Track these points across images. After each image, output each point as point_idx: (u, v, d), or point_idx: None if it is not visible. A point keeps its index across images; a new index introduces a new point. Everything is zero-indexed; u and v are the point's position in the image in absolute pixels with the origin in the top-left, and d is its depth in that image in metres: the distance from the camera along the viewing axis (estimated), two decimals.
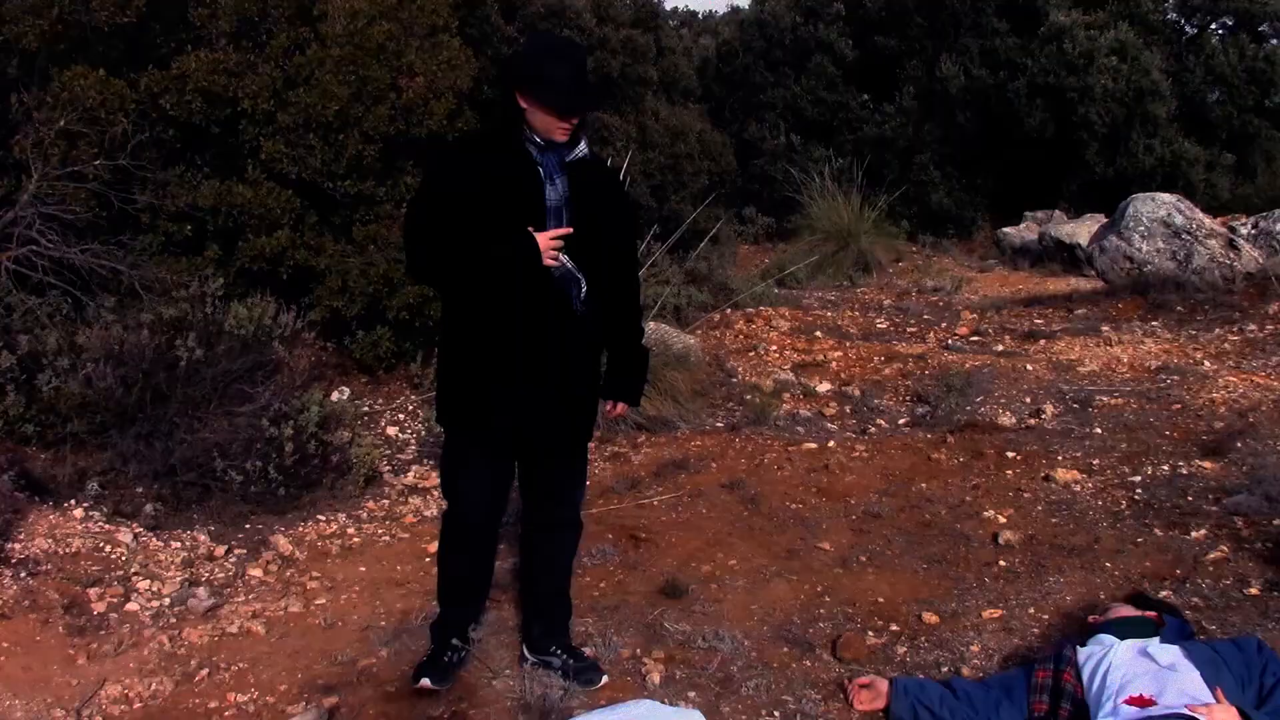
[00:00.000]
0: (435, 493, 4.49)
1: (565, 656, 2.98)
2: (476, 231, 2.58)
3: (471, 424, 2.76)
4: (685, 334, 6.30)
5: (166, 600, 3.48)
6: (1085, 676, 2.64)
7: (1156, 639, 2.71)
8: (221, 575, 3.70)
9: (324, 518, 4.19)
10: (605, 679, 2.96)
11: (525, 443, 2.79)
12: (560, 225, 2.64)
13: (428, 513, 4.30)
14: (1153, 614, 2.88)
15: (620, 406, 2.94)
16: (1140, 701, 2.45)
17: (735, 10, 15.55)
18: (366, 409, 5.38)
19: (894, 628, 3.26)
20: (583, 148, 2.68)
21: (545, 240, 2.59)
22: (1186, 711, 2.34)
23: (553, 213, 2.63)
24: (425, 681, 2.87)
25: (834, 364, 6.15)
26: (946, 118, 11.35)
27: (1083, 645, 2.78)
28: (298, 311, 5.28)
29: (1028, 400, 5.33)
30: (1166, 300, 7.01)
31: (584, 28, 8.97)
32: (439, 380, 2.85)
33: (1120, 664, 2.60)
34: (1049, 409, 5.11)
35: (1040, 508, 4.02)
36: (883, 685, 2.83)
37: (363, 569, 3.79)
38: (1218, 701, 2.36)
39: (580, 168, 2.68)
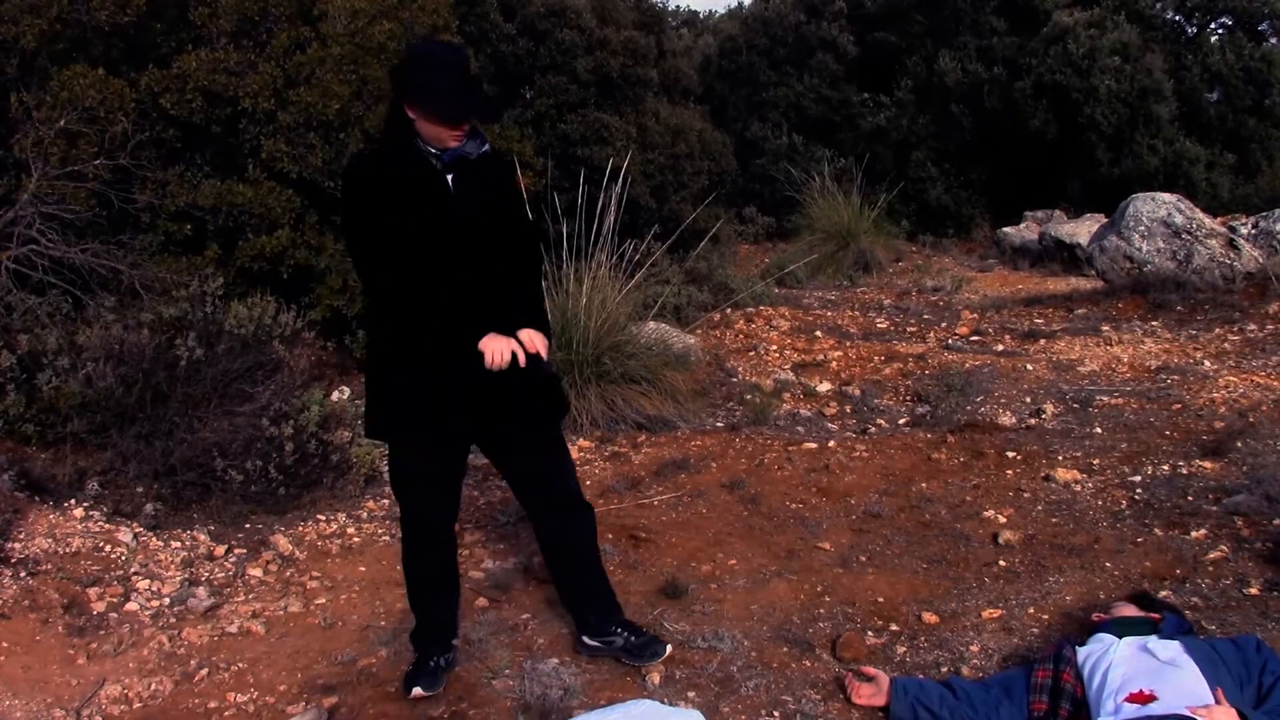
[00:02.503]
0: None
1: (626, 634, 3.02)
2: (401, 243, 2.62)
3: (416, 427, 2.74)
4: (685, 334, 6.30)
5: (166, 600, 3.48)
6: (1085, 675, 2.64)
7: (1155, 635, 2.71)
8: (221, 575, 3.70)
9: (324, 517, 4.19)
10: (669, 649, 3.02)
11: (484, 433, 2.81)
12: (465, 225, 2.67)
13: None
14: (1155, 615, 2.88)
15: (537, 338, 2.76)
16: (1140, 698, 2.45)
17: (739, 8, 15.55)
18: None
19: (894, 628, 3.26)
20: (479, 146, 2.71)
21: (502, 354, 2.63)
22: (1186, 712, 2.33)
23: (457, 213, 2.66)
24: (417, 690, 2.87)
25: (834, 364, 6.15)
26: (943, 112, 11.38)
27: (1082, 644, 2.78)
28: (298, 311, 5.28)
29: (1028, 400, 5.33)
30: (1166, 300, 7.01)
31: (585, 28, 8.98)
32: (373, 392, 2.80)
33: (1120, 661, 2.60)
34: (1049, 409, 5.11)
35: (1040, 508, 4.02)
36: (884, 681, 2.82)
37: (363, 569, 3.79)
38: (1218, 702, 2.36)
39: (477, 164, 2.71)
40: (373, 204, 2.62)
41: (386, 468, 4.69)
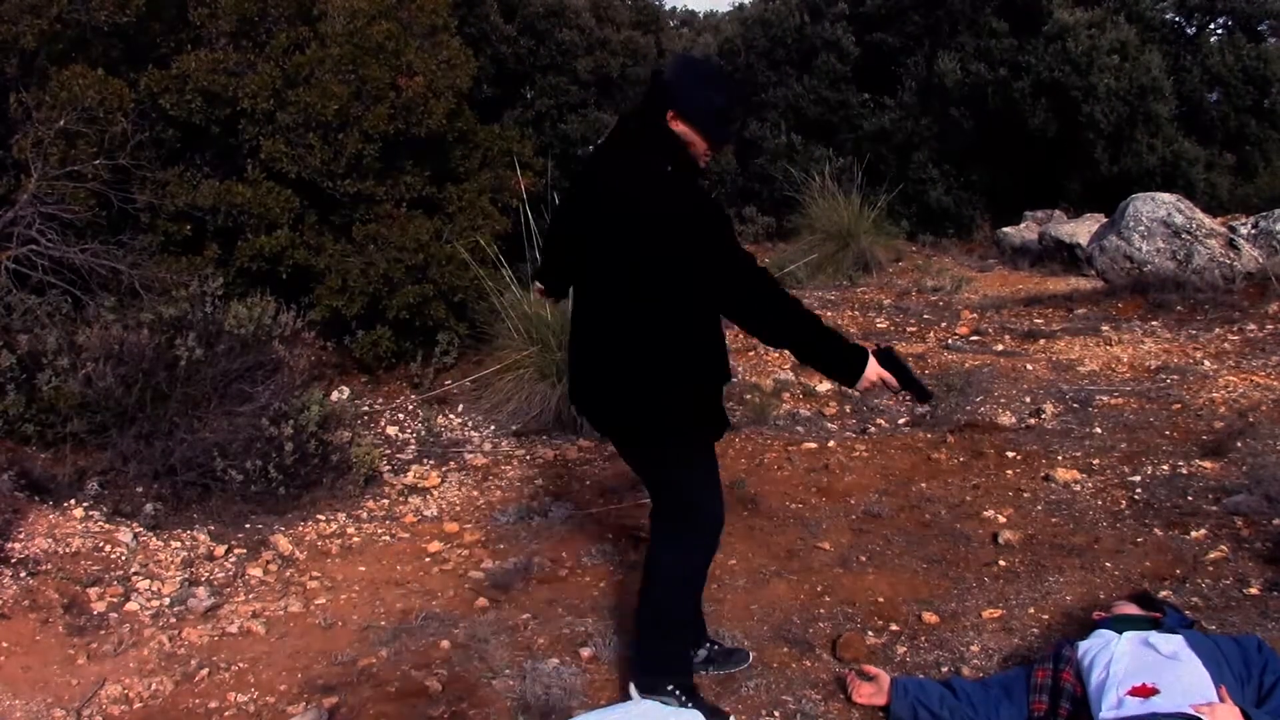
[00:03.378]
0: (435, 492, 4.50)
1: (712, 645, 3.03)
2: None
3: (722, 423, 2.77)
4: None
5: (166, 600, 3.48)
6: (1085, 669, 2.64)
7: (1157, 630, 2.71)
8: (221, 575, 3.70)
9: (324, 517, 4.20)
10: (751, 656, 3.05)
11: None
12: None
13: (428, 512, 4.30)
14: (1157, 614, 2.88)
15: None
16: (1143, 691, 2.45)
17: (739, 9, 15.54)
18: (366, 409, 5.39)
19: (894, 628, 3.26)
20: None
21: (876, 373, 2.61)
22: (1190, 711, 2.33)
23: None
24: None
25: None
26: (944, 114, 11.36)
27: (1083, 639, 2.78)
28: (298, 311, 5.28)
29: (1028, 400, 5.33)
30: (1166, 300, 7.01)
31: (584, 28, 8.99)
32: (687, 390, 2.68)
33: (1122, 655, 2.60)
34: (1049, 409, 5.11)
35: (1040, 508, 4.02)
36: (885, 681, 2.82)
37: (363, 569, 3.79)
38: (1221, 700, 2.36)
39: None
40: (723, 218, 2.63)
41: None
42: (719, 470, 2.78)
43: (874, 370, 2.56)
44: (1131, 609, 2.94)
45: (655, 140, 2.57)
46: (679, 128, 2.55)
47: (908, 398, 2.65)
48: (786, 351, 2.71)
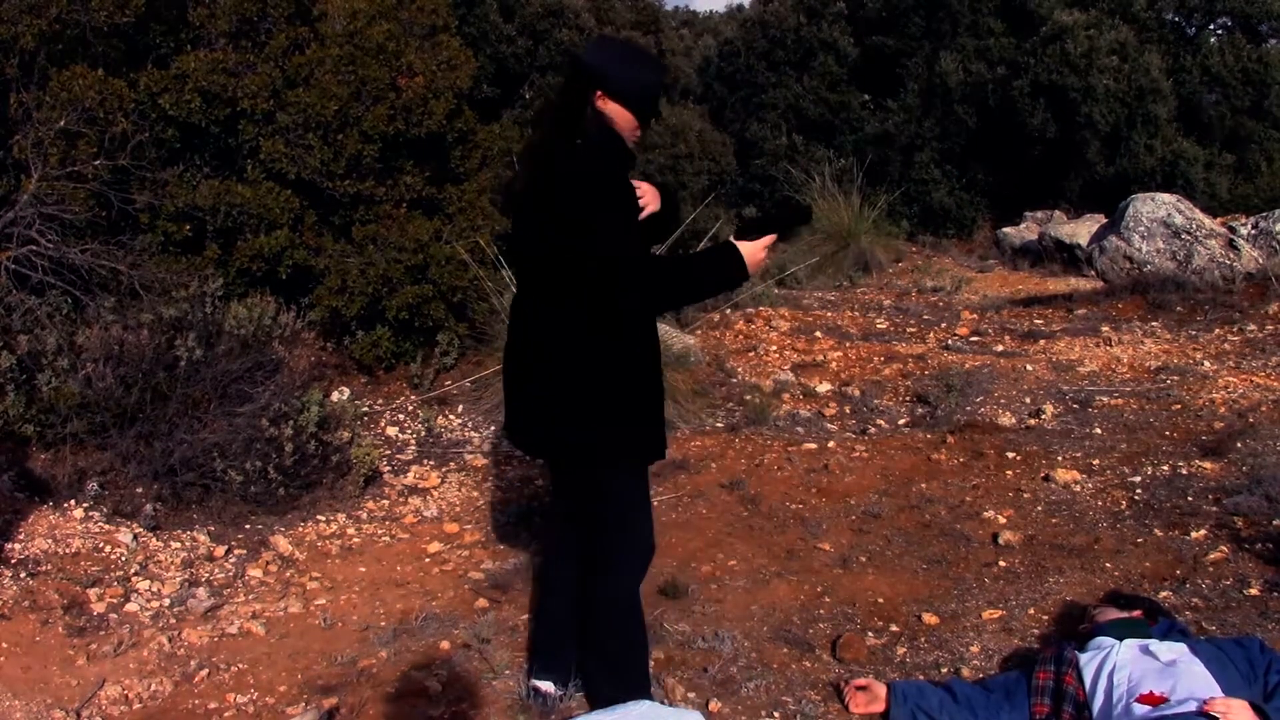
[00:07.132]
0: (435, 493, 4.50)
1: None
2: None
3: (660, 451, 2.65)
4: (685, 334, 6.30)
5: (166, 600, 3.47)
6: (1089, 679, 2.64)
7: (1155, 638, 2.71)
8: (221, 575, 3.70)
9: (324, 518, 4.19)
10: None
11: None
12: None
13: (427, 513, 4.30)
14: (1137, 612, 2.88)
15: None
16: (1152, 699, 2.45)
17: (738, 9, 15.56)
18: (366, 409, 5.38)
19: (894, 628, 3.26)
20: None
21: (759, 251, 2.54)
22: (1204, 710, 2.33)
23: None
24: None
25: (834, 364, 6.15)
26: (946, 115, 11.38)
27: (1083, 650, 2.77)
28: (297, 311, 5.27)
29: (1028, 400, 5.33)
30: (1166, 300, 7.01)
31: (584, 28, 8.99)
32: (633, 416, 2.55)
33: (1125, 663, 2.60)
34: (1049, 409, 5.11)
35: (1040, 508, 4.02)
36: (880, 690, 2.82)
37: (362, 569, 3.79)
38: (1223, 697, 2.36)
39: None
40: (630, 207, 2.51)
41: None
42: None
43: (753, 256, 2.55)
44: (1113, 613, 2.93)
45: (584, 124, 2.46)
46: (609, 108, 2.47)
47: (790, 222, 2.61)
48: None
